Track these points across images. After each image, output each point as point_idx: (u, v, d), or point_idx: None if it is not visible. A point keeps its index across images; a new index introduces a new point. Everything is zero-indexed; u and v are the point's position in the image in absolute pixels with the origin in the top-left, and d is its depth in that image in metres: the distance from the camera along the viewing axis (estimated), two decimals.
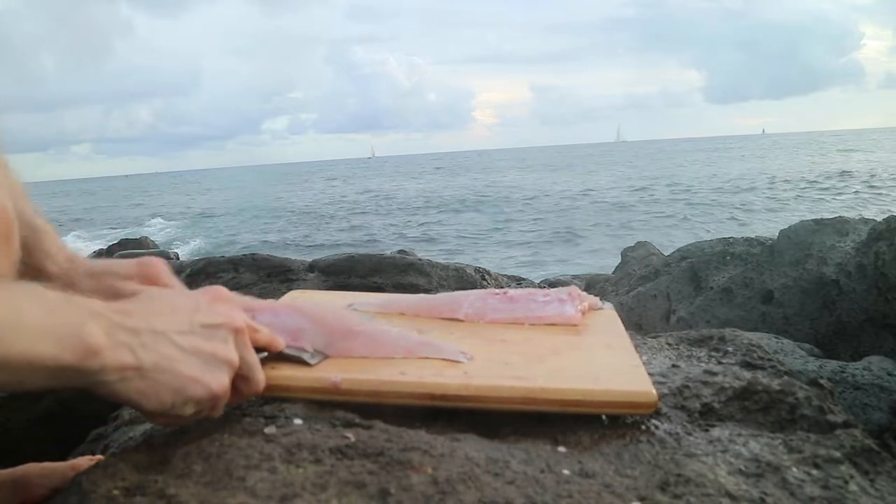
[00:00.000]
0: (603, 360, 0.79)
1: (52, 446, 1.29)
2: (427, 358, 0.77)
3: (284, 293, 1.10)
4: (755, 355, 0.94)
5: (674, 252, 2.89)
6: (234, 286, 0.87)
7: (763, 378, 0.81)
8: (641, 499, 0.56)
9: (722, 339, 1.01)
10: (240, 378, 0.64)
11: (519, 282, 2.62)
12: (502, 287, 1.91)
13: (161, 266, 0.84)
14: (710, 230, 12.88)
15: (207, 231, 20.68)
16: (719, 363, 0.91)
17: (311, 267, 2.34)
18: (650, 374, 0.75)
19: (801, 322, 2.19)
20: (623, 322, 0.97)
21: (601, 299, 1.04)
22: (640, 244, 3.97)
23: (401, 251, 2.80)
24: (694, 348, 1.00)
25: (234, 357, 0.62)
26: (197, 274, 2.29)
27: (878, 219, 2.18)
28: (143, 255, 0.87)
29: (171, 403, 0.57)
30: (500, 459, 0.61)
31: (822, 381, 0.83)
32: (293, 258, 2.46)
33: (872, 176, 24.05)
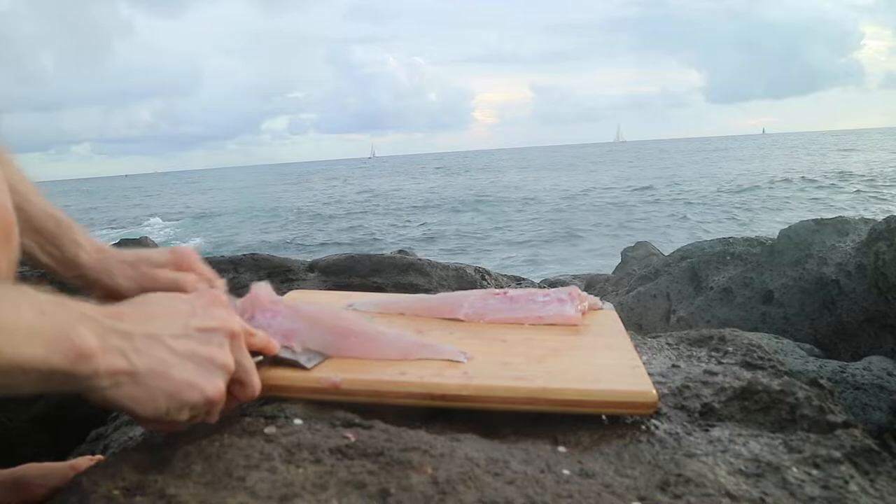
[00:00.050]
0: (603, 361, 0.79)
1: (51, 446, 1.29)
2: (426, 359, 0.77)
3: (284, 293, 1.10)
4: (755, 355, 0.94)
5: (674, 252, 2.89)
6: (234, 286, 0.87)
7: (763, 378, 0.81)
8: (641, 499, 0.56)
9: (722, 339, 1.01)
10: (235, 383, 0.63)
11: (519, 282, 2.62)
12: (502, 287, 1.91)
13: (192, 254, 0.85)
14: (710, 230, 12.88)
15: (207, 231, 20.68)
16: (719, 363, 0.91)
17: (311, 267, 2.34)
18: (650, 374, 0.75)
19: (801, 322, 2.19)
20: (623, 322, 0.97)
21: (601, 299, 1.04)
22: (640, 244, 3.97)
23: (401, 251, 2.80)
24: (694, 348, 1.00)
25: (229, 361, 0.61)
26: None
27: (878, 219, 2.17)
28: None
29: (165, 409, 0.55)
30: (500, 459, 0.61)
31: (822, 381, 0.83)
32: (293, 258, 2.45)
33: (873, 176, 24.06)
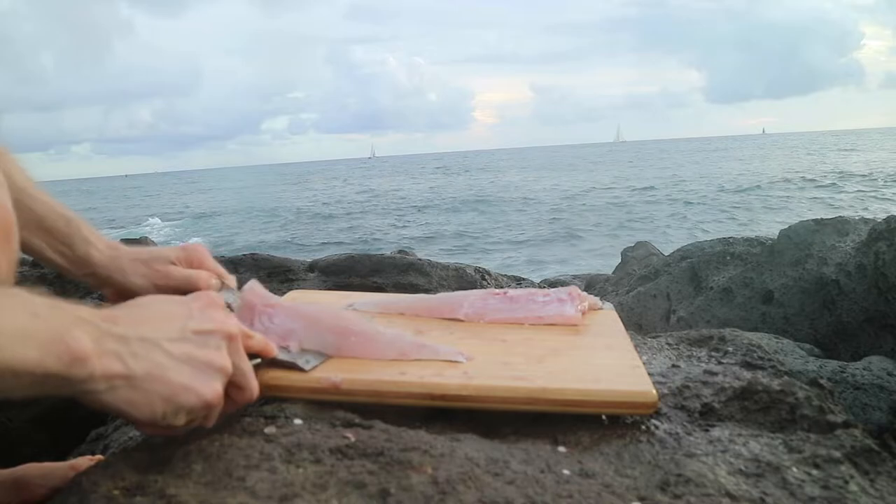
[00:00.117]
0: (603, 361, 0.79)
1: (51, 446, 1.29)
2: (424, 360, 0.77)
3: (284, 293, 1.10)
4: (755, 355, 0.94)
5: (674, 252, 2.88)
6: (240, 284, 0.87)
7: (763, 378, 0.81)
8: (641, 499, 0.56)
9: (722, 339, 1.01)
10: (233, 386, 0.62)
11: (519, 282, 2.62)
12: (502, 287, 1.91)
13: (204, 251, 0.85)
14: (710, 230, 12.88)
15: (207, 231, 20.69)
16: (719, 363, 0.91)
17: (311, 267, 2.34)
18: (650, 374, 0.75)
19: (801, 322, 2.19)
20: (623, 322, 0.97)
21: (601, 299, 1.04)
22: (640, 244, 3.96)
23: (401, 251, 2.80)
24: (694, 348, 1.00)
25: (227, 364, 0.60)
26: None
27: (878, 219, 2.17)
28: None
29: (162, 413, 0.55)
30: (500, 459, 0.61)
31: (822, 381, 0.83)
32: (293, 258, 2.45)
33: (874, 176, 24.06)
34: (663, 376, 0.85)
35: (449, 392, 0.70)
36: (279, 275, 2.25)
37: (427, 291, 2.03)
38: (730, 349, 0.97)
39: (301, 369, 0.72)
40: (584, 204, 21.21)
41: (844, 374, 1.63)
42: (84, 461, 0.89)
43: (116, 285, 0.80)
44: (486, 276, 2.32)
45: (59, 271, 0.79)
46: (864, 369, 1.64)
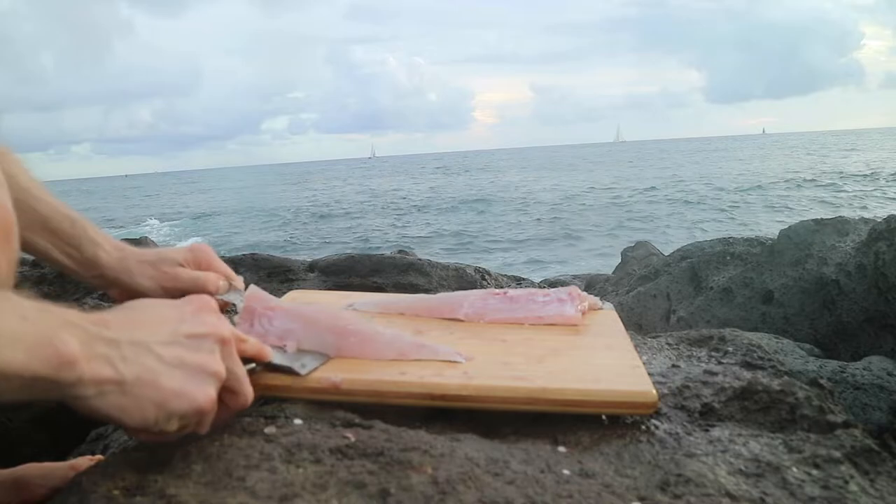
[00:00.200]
0: (603, 361, 0.79)
1: (51, 446, 1.29)
2: (424, 360, 0.77)
3: (284, 293, 1.10)
4: (755, 355, 0.94)
5: (674, 252, 2.88)
6: (248, 285, 0.88)
7: (763, 378, 0.81)
8: (641, 499, 0.56)
9: (722, 339, 1.01)
10: (227, 391, 0.61)
11: (519, 282, 2.62)
12: (502, 287, 1.91)
13: (211, 252, 0.85)
14: (710, 230, 12.88)
15: (207, 231, 20.69)
16: (719, 363, 0.91)
17: (311, 267, 2.34)
18: (650, 374, 0.75)
19: (801, 322, 2.19)
20: (623, 322, 0.97)
21: (601, 299, 1.04)
22: (640, 244, 3.96)
23: (401, 251, 2.80)
24: (694, 348, 1.00)
25: (220, 369, 0.58)
26: None
27: (878, 219, 2.17)
28: None
29: (154, 419, 0.53)
30: (500, 459, 0.61)
31: (822, 381, 0.83)
32: (293, 258, 2.45)
33: (874, 175, 24.06)
34: (663, 376, 0.85)
35: (449, 392, 0.70)
36: (279, 275, 2.25)
37: (427, 291, 2.03)
38: (730, 349, 0.97)
39: (296, 373, 0.71)
40: (583, 204, 21.21)
41: (844, 374, 1.63)
42: (84, 461, 0.89)
43: (124, 287, 0.80)
44: (486, 276, 2.32)
45: (65, 272, 0.79)
46: (864, 369, 1.64)
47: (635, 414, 0.72)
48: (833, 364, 1.71)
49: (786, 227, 2.40)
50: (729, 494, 0.57)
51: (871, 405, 1.55)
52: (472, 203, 23.86)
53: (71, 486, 0.56)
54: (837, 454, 0.65)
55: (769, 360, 0.92)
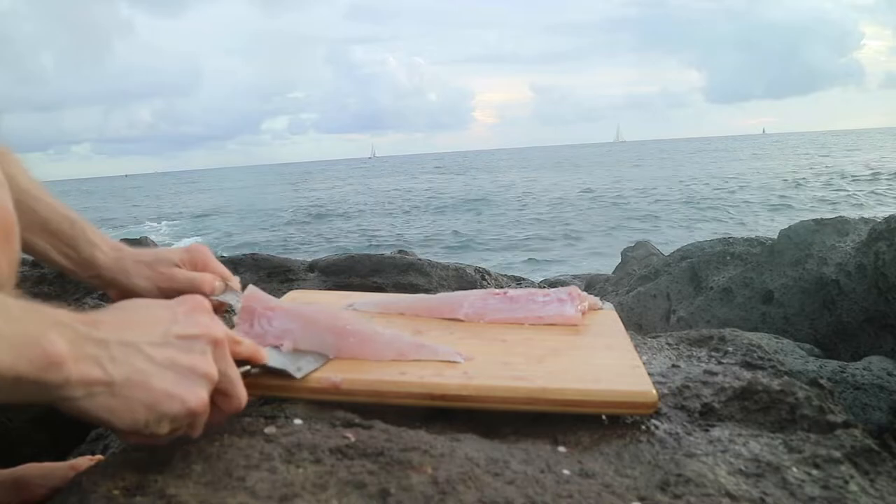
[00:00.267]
0: (603, 361, 0.79)
1: (51, 446, 1.29)
2: (423, 360, 0.77)
3: (284, 293, 1.10)
4: (755, 355, 0.94)
5: (674, 252, 2.88)
6: (244, 286, 0.87)
7: (763, 378, 0.81)
8: (641, 499, 0.56)
9: (722, 339, 1.01)
10: (219, 394, 0.59)
11: (519, 282, 2.62)
12: (502, 287, 1.91)
13: (208, 252, 0.85)
14: (710, 230, 12.89)
15: (207, 231, 20.69)
16: (719, 363, 0.91)
17: (311, 267, 2.34)
18: (650, 374, 0.75)
19: (801, 322, 2.19)
20: (623, 322, 0.97)
21: (601, 299, 1.04)
22: (640, 244, 3.96)
23: (401, 251, 2.80)
24: (694, 348, 1.00)
25: (212, 370, 0.57)
26: None
27: (878, 219, 2.17)
28: None
29: (144, 421, 0.52)
30: (500, 459, 0.61)
31: (822, 381, 0.83)
32: (293, 258, 2.46)
33: (874, 175, 24.07)
34: (663, 376, 0.85)
35: (449, 392, 0.70)
36: (279, 275, 2.26)
37: (427, 291, 2.03)
38: (730, 349, 0.97)
39: (292, 377, 0.70)
40: (584, 203, 21.22)
41: (844, 374, 1.63)
42: (84, 461, 0.89)
43: (120, 287, 0.80)
44: (486, 276, 2.33)
45: (64, 272, 0.79)
46: (864, 369, 1.64)
47: (635, 414, 0.72)
48: (833, 364, 1.71)
49: (786, 226, 2.40)
50: (729, 494, 0.57)
51: (871, 405, 1.55)
52: (472, 203, 23.87)
53: (71, 486, 0.56)
54: (837, 454, 0.65)
55: (769, 360, 0.92)
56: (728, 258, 2.50)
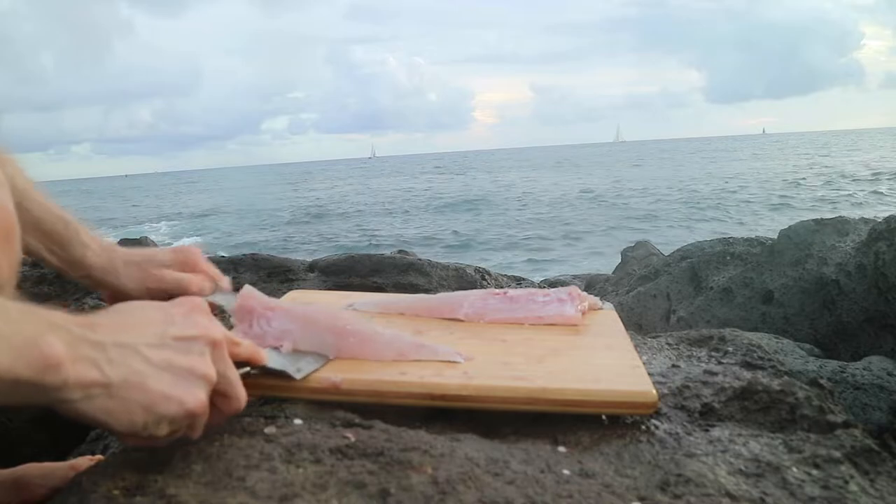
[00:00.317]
0: (603, 361, 0.79)
1: (51, 446, 1.29)
2: (423, 360, 0.77)
3: (284, 293, 1.10)
4: (755, 355, 0.94)
5: (674, 252, 2.89)
6: (234, 287, 0.87)
7: (763, 378, 0.81)
8: (641, 499, 0.56)
9: (722, 339, 1.01)
10: (218, 395, 0.59)
11: (519, 282, 2.62)
12: (502, 287, 1.91)
13: (198, 253, 0.84)
14: (710, 230, 12.89)
15: (207, 231, 20.70)
16: (719, 363, 0.91)
17: (311, 267, 2.34)
18: (650, 374, 0.75)
19: (801, 322, 2.19)
20: (623, 322, 0.97)
21: (601, 299, 1.04)
22: (640, 244, 3.97)
23: (401, 251, 2.80)
24: (694, 348, 1.00)
25: (210, 372, 0.57)
26: None
27: (878, 219, 2.17)
28: None
29: (142, 423, 0.52)
30: (500, 459, 0.61)
31: (822, 381, 0.83)
32: (293, 258, 2.46)
33: (874, 175, 24.07)
34: (663, 376, 0.85)
35: (449, 392, 0.70)
36: (279, 275, 2.26)
37: (427, 291, 2.03)
38: (730, 349, 0.97)
39: (291, 378, 0.70)
40: (584, 203, 21.22)
41: (844, 374, 1.63)
42: (84, 461, 0.89)
43: (110, 288, 0.80)
44: (486, 276, 2.33)
45: (58, 272, 0.80)
46: (864, 369, 1.64)
47: (635, 414, 0.72)
48: (833, 364, 1.71)
49: (786, 226, 2.40)
50: (729, 494, 0.57)
51: (871, 405, 1.55)
52: (471, 203, 23.87)
53: (71, 486, 0.56)
54: (837, 454, 0.65)
55: (769, 360, 0.92)
56: (728, 258, 2.51)
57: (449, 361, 0.76)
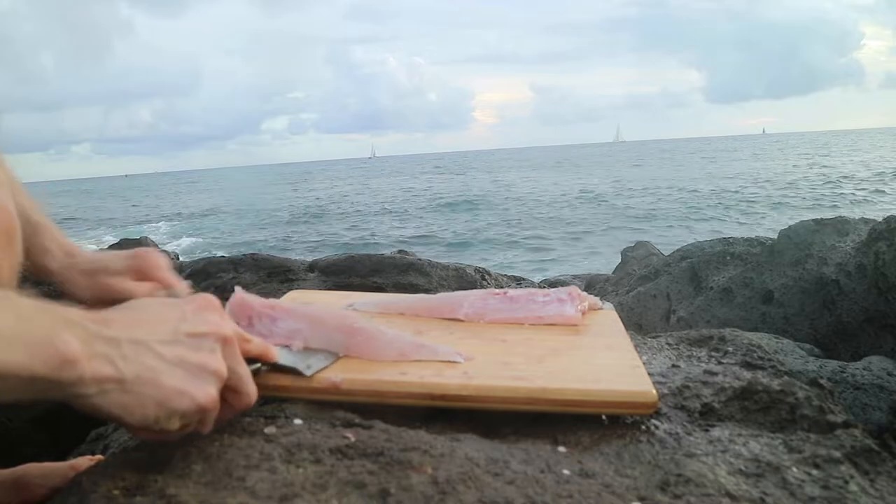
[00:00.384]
0: (603, 361, 0.79)
1: (51, 446, 1.29)
2: (423, 360, 0.77)
3: (284, 293, 1.10)
4: (755, 355, 0.94)
5: (674, 252, 2.89)
6: (231, 287, 0.87)
7: (763, 378, 0.81)
8: (641, 499, 0.56)
9: (722, 339, 1.02)
10: (230, 390, 0.61)
11: (519, 282, 2.62)
12: (502, 287, 1.91)
13: (154, 259, 0.81)
14: (711, 230, 12.89)
15: (207, 231, 20.70)
16: (719, 363, 0.91)
17: (311, 267, 2.35)
18: (650, 374, 0.75)
19: (801, 322, 2.19)
20: (623, 322, 0.97)
21: (601, 299, 1.04)
22: (640, 244, 3.97)
23: (401, 251, 2.80)
24: (694, 348, 1.00)
25: (221, 368, 0.58)
26: (197, 274, 2.29)
27: (878, 219, 2.18)
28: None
29: (155, 417, 0.54)
30: (500, 459, 0.61)
31: (822, 381, 0.83)
32: (293, 258, 2.46)
33: (874, 175, 24.08)
34: (663, 376, 0.85)
35: (449, 392, 0.70)
36: (279, 275, 2.26)
37: (427, 291, 2.03)
38: (730, 349, 0.97)
39: (302, 374, 0.71)
40: (584, 203, 21.23)
41: (844, 374, 1.63)
42: (84, 461, 0.89)
43: (69, 295, 0.79)
44: (486, 276, 2.33)
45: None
46: (864, 369, 1.64)
47: (635, 414, 0.72)
48: (833, 364, 1.71)
49: (786, 226, 2.40)
50: (729, 494, 0.57)
51: (871, 405, 1.55)
52: (471, 203, 23.88)
53: (71, 485, 0.56)
54: (837, 454, 0.65)
55: (769, 360, 0.92)
56: (728, 258, 2.51)
57: (449, 361, 0.77)
